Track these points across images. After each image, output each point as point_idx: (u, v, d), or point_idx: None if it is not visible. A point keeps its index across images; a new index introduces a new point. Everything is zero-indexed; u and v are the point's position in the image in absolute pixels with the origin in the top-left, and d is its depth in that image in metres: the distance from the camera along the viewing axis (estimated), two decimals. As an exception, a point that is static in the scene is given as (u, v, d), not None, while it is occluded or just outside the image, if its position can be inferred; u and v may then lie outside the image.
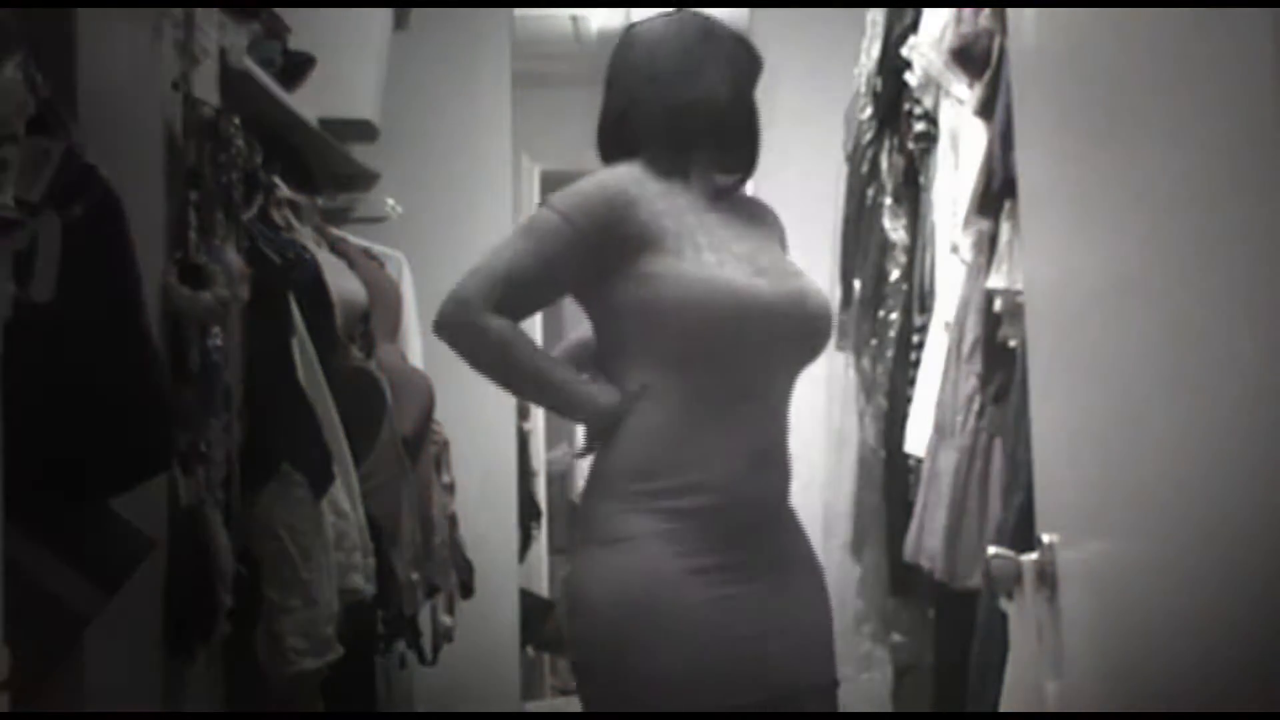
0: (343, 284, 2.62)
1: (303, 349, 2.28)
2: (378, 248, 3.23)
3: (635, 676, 1.71)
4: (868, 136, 2.80)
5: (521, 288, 1.78)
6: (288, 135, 2.69)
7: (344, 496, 2.32)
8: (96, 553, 1.60)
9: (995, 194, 1.94)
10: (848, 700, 2.00)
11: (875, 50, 2.72)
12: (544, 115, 4.48)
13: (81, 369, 1.55)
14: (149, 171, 1.95)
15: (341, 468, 2.35)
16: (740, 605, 1.74)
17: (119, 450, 1.64)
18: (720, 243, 1.80)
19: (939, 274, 2.38)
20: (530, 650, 4.81)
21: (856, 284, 2.89)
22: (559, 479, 5.73)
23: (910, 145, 2.51)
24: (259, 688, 2.12)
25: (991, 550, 1.46)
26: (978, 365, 2.08)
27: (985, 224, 2.04)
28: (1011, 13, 1.59)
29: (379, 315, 2.89)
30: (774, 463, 1.83)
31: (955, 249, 2.20)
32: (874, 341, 2.72)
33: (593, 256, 1.77)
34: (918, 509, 2.24)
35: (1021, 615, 1.45)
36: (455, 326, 1.76)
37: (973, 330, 2.09)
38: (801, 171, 3.49)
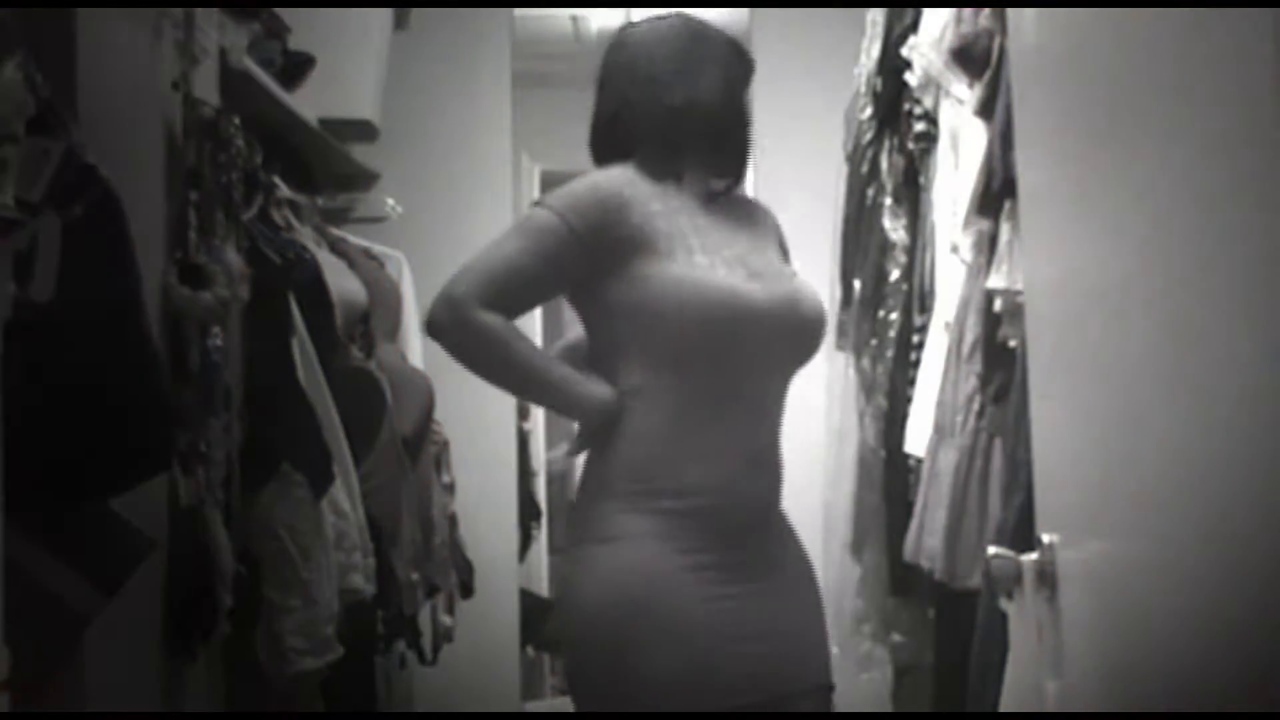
0: (343, 284, 2.62)
1: (303, 349, 2.28)
2: (378, 248, 3.23)
3: (633, 675, 1.71)
4: (868, 136, 2.80)
5: (515, 285, 1.77)
6: (288, 135, 2.69)
7: (344, 496, 2.33)
8: (96, 553, 1.60)
9: (995, 194, 1.94)
10: (848, 700, 2.00)
11: (875, 50, 2.72)
12: (544, 115, 4.47)
13: (81, 369, 1.55)
14: (149, 171, 1.95)
15: (341, 468, 2.35)
16: (738, 605, 1.73)
17: (119, 450, 1.64)
18: (713, 245, 1.80)
19: (939, 274, 2.38)
20: (530, 650, 4.80)
21: (856, 284, 2.89)
22: (559, 479, 5.71)
23: (910, 145, 2.51)
24: (259, 688, 2.12)
25: (991, 550, 1.46)
26: (978, 365, 2.08)
27: (985, 224, 2.04)
28: (1011, 13, 1.59)
29: (379, 315, 2.89)
30: (767, 464, 1.83)
31: (955, 249, 2.19)
32: (874, 341, 2.72)
33: (586, 257, 1.77)
34: (918, 509, 2.24)
35: (1021, 615, 1.45)
36: (447, 325, 1.75)
37: (973, 330, 2.09)
38: (801, 171, 3.50)
